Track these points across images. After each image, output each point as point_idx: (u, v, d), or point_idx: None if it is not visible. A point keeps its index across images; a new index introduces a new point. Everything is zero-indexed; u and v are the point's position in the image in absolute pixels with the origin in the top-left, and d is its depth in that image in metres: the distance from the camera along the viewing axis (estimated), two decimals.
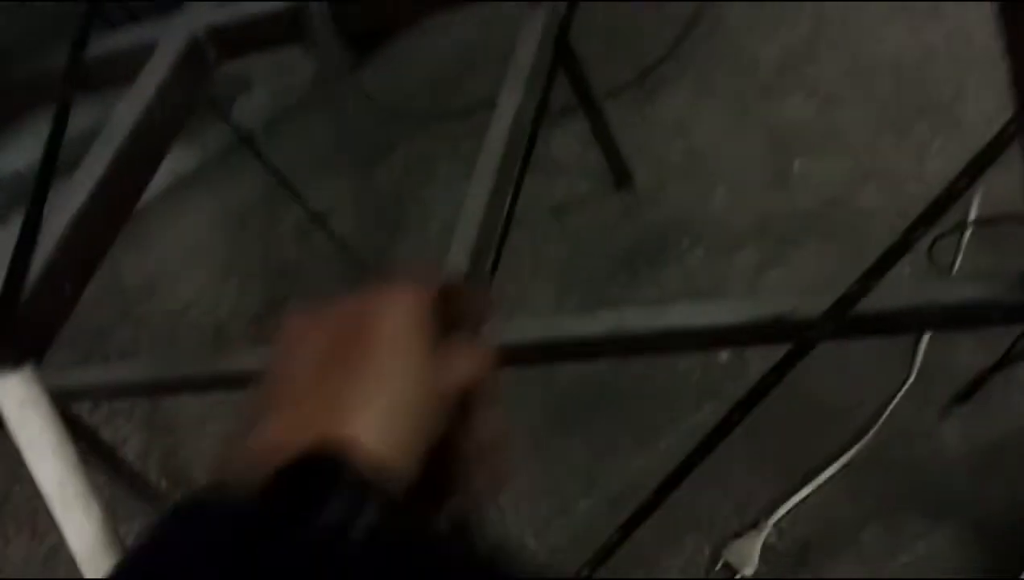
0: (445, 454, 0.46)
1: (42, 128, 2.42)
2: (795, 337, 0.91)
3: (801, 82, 1.92)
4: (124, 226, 1.12)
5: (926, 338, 1.46)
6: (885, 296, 1.00)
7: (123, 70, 1.17)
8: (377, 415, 0.41)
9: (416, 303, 0.46)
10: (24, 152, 2.41)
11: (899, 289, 1.01)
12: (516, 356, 1.23)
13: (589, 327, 1.13)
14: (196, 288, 2.16)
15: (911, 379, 1.42)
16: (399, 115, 2.28)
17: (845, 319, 0.83)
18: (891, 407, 1.40)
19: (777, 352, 1.50)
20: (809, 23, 2.02)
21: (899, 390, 1.41)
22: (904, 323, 1.03)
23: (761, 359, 1.52)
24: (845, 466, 1.35)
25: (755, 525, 1.33)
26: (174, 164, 2.35)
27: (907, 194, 1.66)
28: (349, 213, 2.15)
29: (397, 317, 0.45)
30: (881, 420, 1.38)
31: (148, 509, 1.62)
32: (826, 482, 1.35)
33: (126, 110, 1.10)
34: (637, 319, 1.04)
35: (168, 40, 1.15)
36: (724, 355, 1.57)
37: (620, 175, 1.88)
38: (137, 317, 2.12)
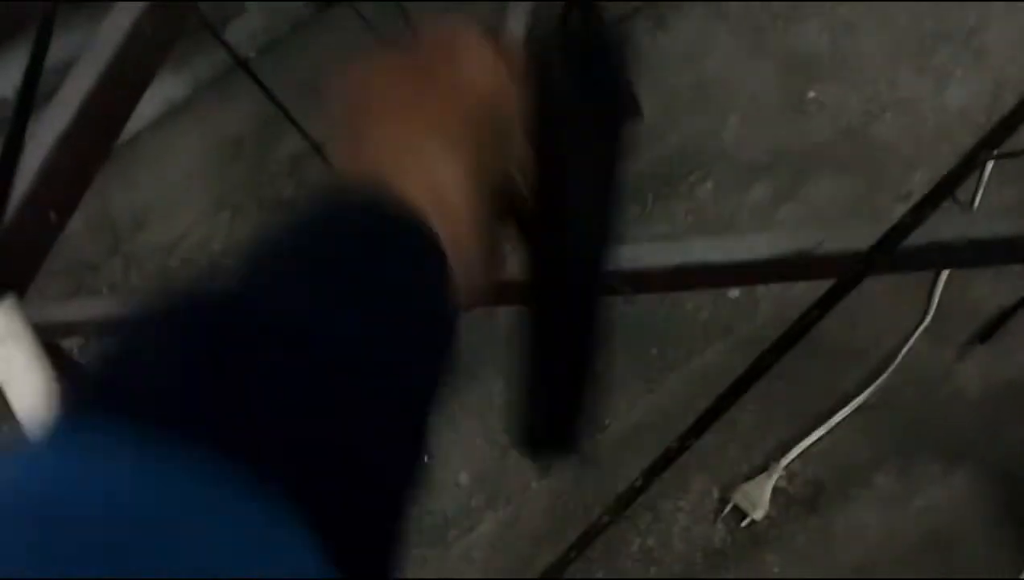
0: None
1: (27, 55, 2.34)
2: (822, 273, 0.86)
3: (817, 9, 1.83)
4: (112, 148, 1.06)
5: (943, 277, 1.40)
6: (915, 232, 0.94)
7: None
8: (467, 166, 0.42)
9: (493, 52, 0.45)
10: (9, 79, 2.33)
11: (926, 225, 0.96)
12: (520, 293, 1.18)
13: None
14: (187, 222, 2.10)
15: (928, 319, 1.37)
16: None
17: (895, 251, 0.77)
18: (907, 347, 1.35)
19: (789, 290, 1.46)
20: None
21: (915, 330, 1.36)
22: (932, 259, 0.97)
23: (772, 297, 1.49)
24: (859, 408, 1.31)
25: (765, 468, 1.29)
26: (165, 91, 2.26)
27: (926, 125, 1.60)
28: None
29: (484, 62, 0.44)
30: (897, 361, 1.34)
31: None
32: (839, 424, 1.30)
33: (113, 24, 1.03)
34: (651, 253, 0.99)
35: None
36: (734, 293, 1.51)
37: (629, 105, 1.80)
38: (127, 251, 2.06)
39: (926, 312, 1.37)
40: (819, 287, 0.87)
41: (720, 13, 1.94)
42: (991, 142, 0.69)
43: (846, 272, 0.81)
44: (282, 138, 2.11)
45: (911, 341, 1.35)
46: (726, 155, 1.70)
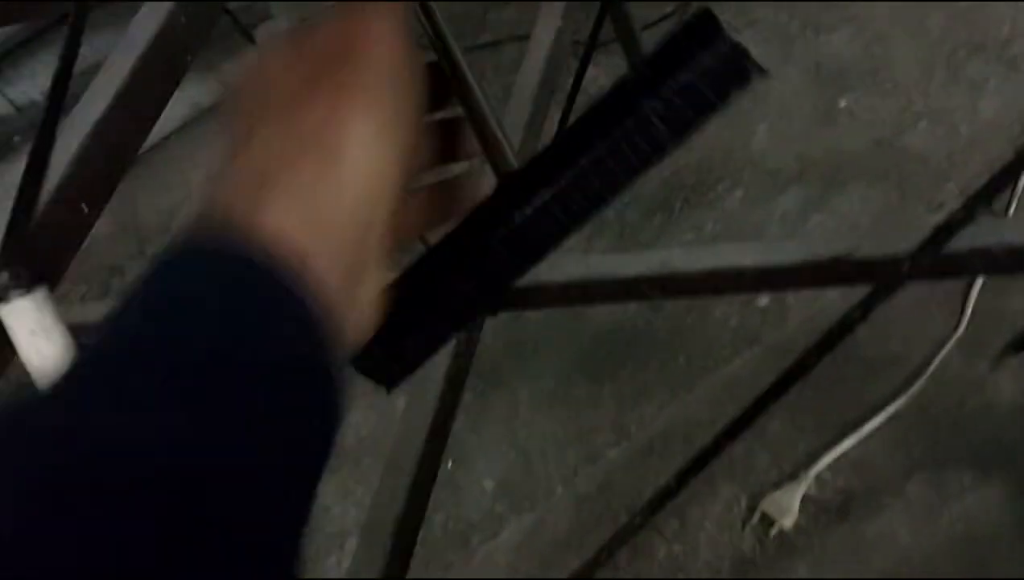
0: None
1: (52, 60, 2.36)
2: (857, 278, 0.84)
3: (848, 16, 1.83)
4: (142, 141, 1.06)
5: (977, 287, 1.39)
6: (956, 238, 0.93)
7: None
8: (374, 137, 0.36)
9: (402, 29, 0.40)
10: (40, 81, 2.36)
11: (965, 231, 0.94)
12: (550, 295, 1.17)
13: (631, 266, 1.06)
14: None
15: (961, 329, 1.36)
16: (423, 48, 2.20)
17: (939, 255, 0.75)
18: (940, 357, 1.33)
19: (818, 299, 1.45)
20: None
21: (948, 340, 1.35)
22: (972, 265, 0.96)
23: (802, 307, 1.47)
24: (891, 417, 1.29)
25: (795, 476, 1.28)
26: (192, 95, 2.28)
27: (959, 135, 1.58)
28: None
29: (389, 38, 0.39)
30: (929, 370, 1.32)
31: None
32: (871, 434, 1.29)
33: (145, 21, 1.03)
34: (681, 258, 0.98)
35: None
36: (763, 300, 1.50)
37: None
38: (153, 255, 2.07)
39: (959, 322, 1.36)
40: (849, 297, 0.86)
41: (750, 20, 1.93)
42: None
43: (886, 276, 0.80)
44: None
45: (944, 351, 1.33)
46: (755, 164, 1.69)
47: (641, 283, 1.08)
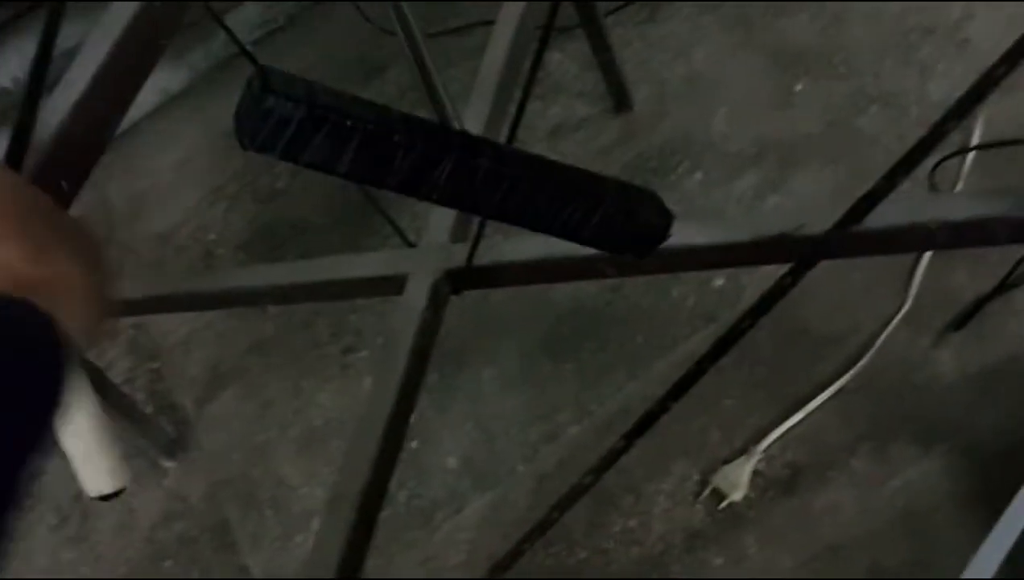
0: None
1: (27, 44, 2.36)
2: (782, 256, 0.88)
3: (808, 3, 1.86)
4: (119, 122, 1.09)
5: (923, 263, 1.43)
6: (889, 213, 0.97)
7: None
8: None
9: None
10: (10, 68, 2.35)
11: (903, 206, 0.98)
12: (512, 274, 1.21)
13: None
14: (183, 211, 2.12)
15: (906, 305, 1.40)
16: (391, 34, 2.21)
17: (851, 234, 0.80)
18: (885, 333, 1.37)
19: (773, 279, 1.48)
20: None
21: (894, 316, 1.39)
22: (909, 240, 1.00)
23: (757, 284, 1.51)
24: (837, 392, 1.34)
25: (744, 451, 1.32)
26: (162, 81, 2.29)
27: (910, 117, 1.62)
28: None
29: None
30: (875, 346, 1.36)
31: (135, 433, 1.61)
32: (817, 408, 1.33)
33: (123, 5, 1.06)
34: None
35: None
36: (719, 281, 1.54)
37: (619, 97, 1.83)
38: (123, 239, 2.09)
39: (904, 299, 1.40)
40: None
41: (711, 6, 1.96)
42: (934, 134, 0.72)
43: (810, 247, 0.84)
44: None
45: (889, 328, 1.38)
46: (714, 146, 1.73)
47: (601, 261, 1.13)
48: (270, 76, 0.57)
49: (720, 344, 0.87)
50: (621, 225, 0.71)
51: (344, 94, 0.59)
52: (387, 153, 0.59)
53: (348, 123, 0.57)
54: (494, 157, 0.64)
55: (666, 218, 0.74)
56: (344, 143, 0.58)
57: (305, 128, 0.56)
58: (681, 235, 1.08)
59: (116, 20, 1.06)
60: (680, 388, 0.90)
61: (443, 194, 0.64)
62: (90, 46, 1.07)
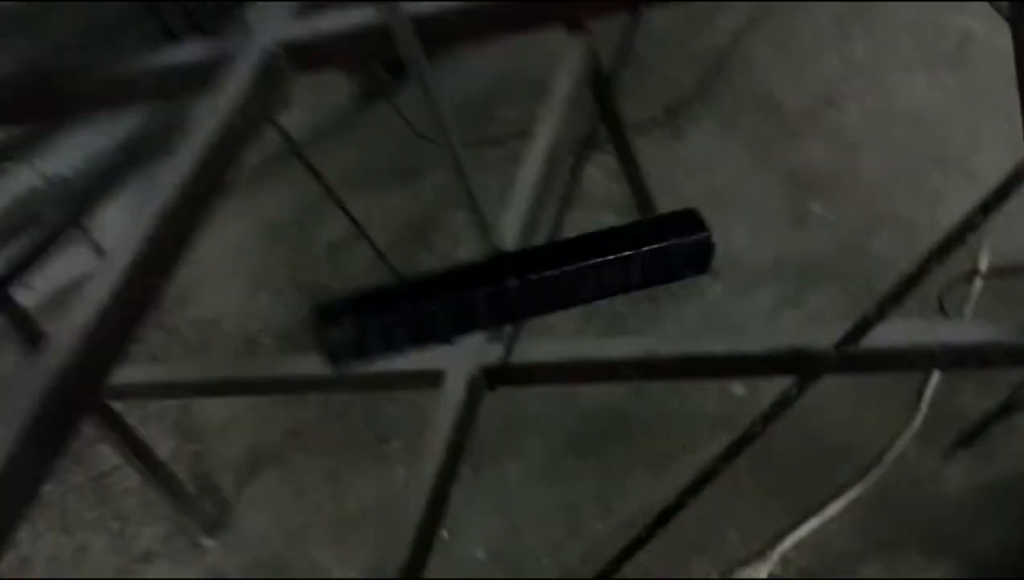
0: None
1: (88, 136, 2.50)
2: (787, 369, 0.98)
3: (823, 127, 1.99)
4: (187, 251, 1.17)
5: (933, 381, 1.51)
6: (896, 334, 1.06)
7: (194, 81, 1.22)
8: None
9: None
10: (70, 158, 2.49)
11: (906, 328, 1.08)
12: (545, 374, 1.31)
13: (615, 349, 1.21)
14: (228, 300, 2.23)
15: (917, 421, 1.48)
16: (431, 140, 2.35)
17: (856, 351, 0.89)
18: (896, 447, 1.45)
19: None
20: (835, 70, 2.09)
21: (905, 431, 1.47)
22: (913, 361, 1.09)
23: (775, 393, 1.60)
24: (850, 503, 1.41)
25: (761, 554, 1.39)
26: None
27: (921, 241, 1.70)
28: (378, 233, 2.22)
29: None
30: (886, 459, 1.44)
31: (178, 510, 1.69)
32: (831, 517, 1.40)
33: (205, 121, 1.14)
34: (661, 344, 1.12)
35: (244, 55, 1.18)
36: (740, 390, 1.63)
37: (644, 209, 1.94)
38: (170, 325, 2.19)
39: (915, 415, 1.48)
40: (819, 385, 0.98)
41: (732, 125, 2.09)
42: (937, 254, 0.82)
43: (811, 364, 0.93)
44: (321, 225, 2.26)
45: (901, 442, 1.45)
46: (734, 261, 1.83)
47: (625, 365, 1.23)
48: (324, 312, 0.74)
49: (733, 447, 0.96)
50: (662, 260, 0.76)
51: (384, 287, 0.75)
52: (430, 321, 0.74)
53: (392, 319, 0.72)
54: (523, 268, 0.75)
55: (703, 231, 0.77)
56: (395, 329, 0.73)
57: (363, 339, 0.73)
58: (700, 344, 1.19)
59: (196, 138, 1.14)
60: (696, 486, 0.98)
61: (489, 322, 0.76)
62: (176, 160, 1.15)
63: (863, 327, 0.90)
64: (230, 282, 2.27)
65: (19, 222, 2.37)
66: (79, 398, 0.90)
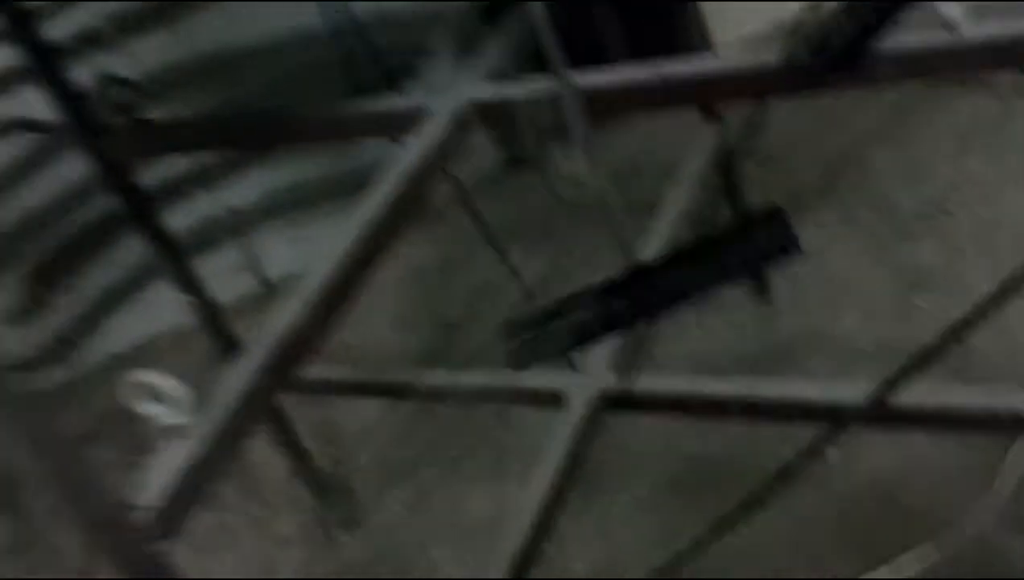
0: None
1: (264, 173, 2.80)
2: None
3: (934, 229, 2.14)
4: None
5: (1014, 455, 1.62)
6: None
7: (393, 126, 1.48)
8: None
9: None
10: (244, 191, 2.81)
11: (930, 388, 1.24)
12: (662, 404, 1.50)
13: (721, 387, 1.40)
14: (368, 331, 2.47)
15: (998, 494, 1.59)
16: (572, 206, 2.58)
17: (885, 408, 1.07)
18: (975, 517, 1.57)
19: (879, 455, 1.70)
20: (948, 177, 2.25)
21: (984, 502, 1.58)
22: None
23: (866, 456, 1.73)
24: (922, 558, 1.53)
25: None
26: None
27: (1016, 340, 1.85)
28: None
29: None
30: (964, 529, 1.55)
31: (320, 502, 1.92)
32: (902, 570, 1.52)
33: (405, 158, 1.38)
34: (765, 386, 1.31)
35: (442, 107, 1.44)
36: (834, 455, 1.77)
37: (760, 287, 2.12)
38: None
39: (993, 485, 1.59)
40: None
41: (849, 221, 2.26)
42: (966, 323, 0.99)
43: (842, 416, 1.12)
44: (460, 273, 2.51)
45: (979, 513, 1.56)
46: (839, 342, 1.99)
47: (734, 403, 1.42)
48: (520, 323, 1.01)
49: (771, 484, 1.14)
50: (753, 256, 1.02)
51: (561, 301, 1.00)
52: (594, 329, 0.98)
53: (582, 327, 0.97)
54: (646, 280, 0.99)
55: (787, 227, 1.02)
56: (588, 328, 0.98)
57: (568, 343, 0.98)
58: (803, 389, 1.38)
59: (390, 180, 1.37)
60: (728, 520, 1.16)
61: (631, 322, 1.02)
62: (372, 196, 1.38)
63: (888, 386, 1.08)
64: (373, 316, 2.52)
65: (194, 243, 2.67)
66: (272, 386, 1.17)
